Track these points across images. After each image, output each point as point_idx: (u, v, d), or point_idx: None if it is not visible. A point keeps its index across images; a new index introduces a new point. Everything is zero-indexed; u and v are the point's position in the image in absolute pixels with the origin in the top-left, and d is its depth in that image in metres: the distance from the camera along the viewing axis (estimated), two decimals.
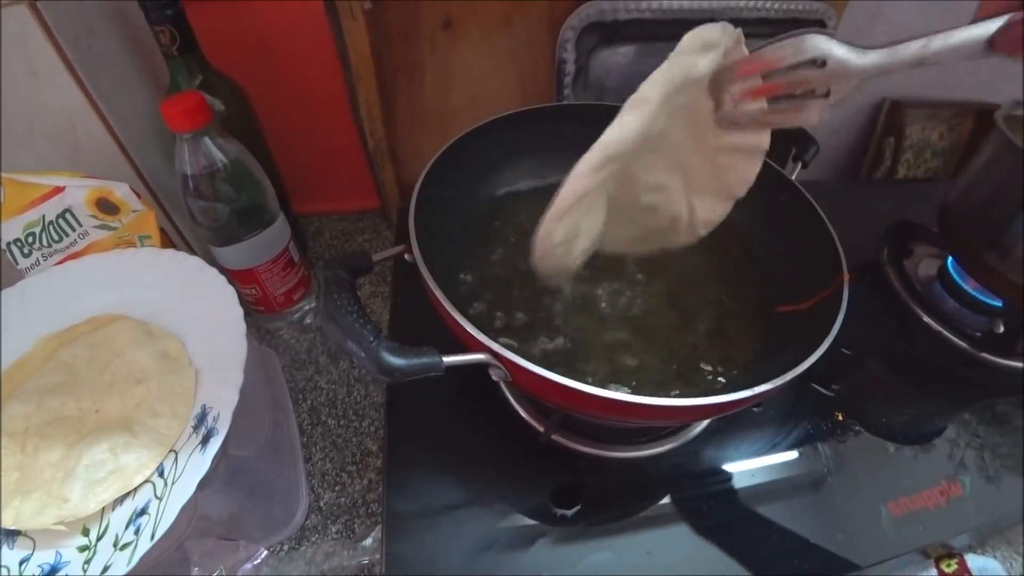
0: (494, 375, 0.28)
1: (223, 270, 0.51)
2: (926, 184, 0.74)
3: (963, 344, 0.51)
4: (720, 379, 0.38)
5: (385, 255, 0.34)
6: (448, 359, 0.27)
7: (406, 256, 0.34)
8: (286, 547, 0.45)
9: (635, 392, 0.32)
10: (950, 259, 0.55)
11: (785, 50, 0.32)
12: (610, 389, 0.26)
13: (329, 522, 0.46)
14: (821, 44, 0.30)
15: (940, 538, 0.41)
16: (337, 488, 0.48)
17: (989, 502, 0.43)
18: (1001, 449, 0.46)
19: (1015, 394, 0.50)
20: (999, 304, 0.52)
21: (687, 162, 0.36)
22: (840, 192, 0.70)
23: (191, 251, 0.55)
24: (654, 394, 0.27)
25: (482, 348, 0.27)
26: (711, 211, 0.38)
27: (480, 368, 0.28)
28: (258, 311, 0.55)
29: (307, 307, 0.58)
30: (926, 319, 0.53)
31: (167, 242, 0.49)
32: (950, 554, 0.47)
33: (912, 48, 0.28)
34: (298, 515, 0.46)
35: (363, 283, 0.62)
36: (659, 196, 0.36)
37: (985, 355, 0.51)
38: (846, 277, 0.37)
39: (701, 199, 0.37)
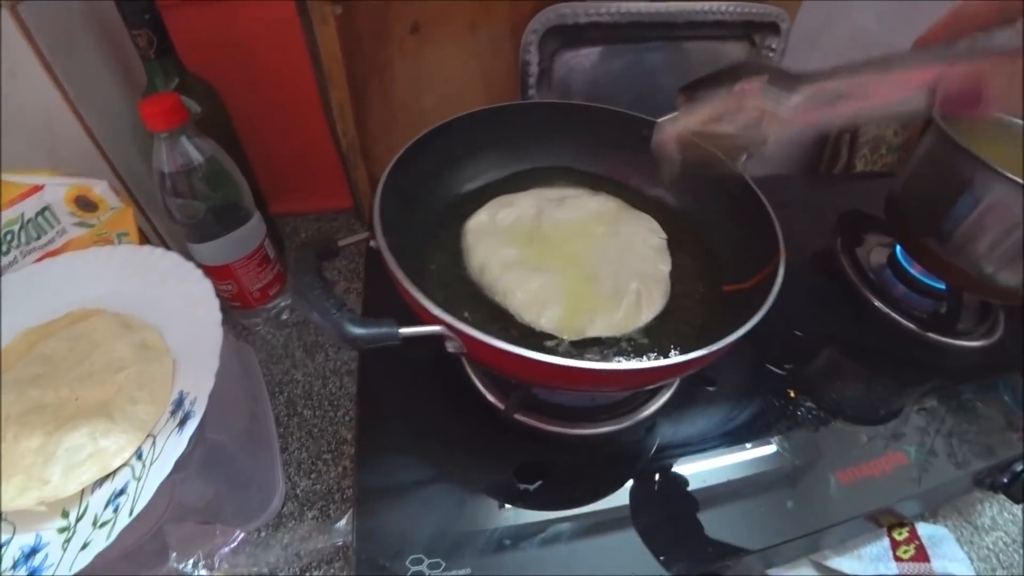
0: (450, 347, 0.30)
1: (200, 266, 0.53)
2: (882, 178, 0.77)
3: (911, 325, 0.54)
4: (672, 352, 0.40)
5: (351, 240, 0.36)
6: (405, 330, 0.29)
7: (371, 243, 0.36)
8: (263, 532, 0.46)
9: None
10: (898, 247, 0.59)
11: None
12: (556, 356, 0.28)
13: (305, 508, 0.48)
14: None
15: (884, 503, 0.44)
16: (313, 476, 0.49)
17: (932, 471, 0.46)
18: (946, 423, 0.49)
19: (959, 371, 0.53)
20: (942, 287, 0.55)
21: None
22: (798, 187, 0.74)
23: (167, 248, 0.57)
24: None
25: (437, 320, 0.29)
26: None
27: (437, 340, 0.30)
28: (235, 307, 0.56)
29: (283, 303, 0.59)
30: (877, 303, 0.56)
31: (144, 239, 0.51)
32: (901, 523, 0.49)
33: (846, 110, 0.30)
34: (275, 502, 0.47)
35: (337, 280, 0.64)
36: None
37: (931, 335, 0.54)
38: (781, 253, 0.39)
39: None
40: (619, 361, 0.37)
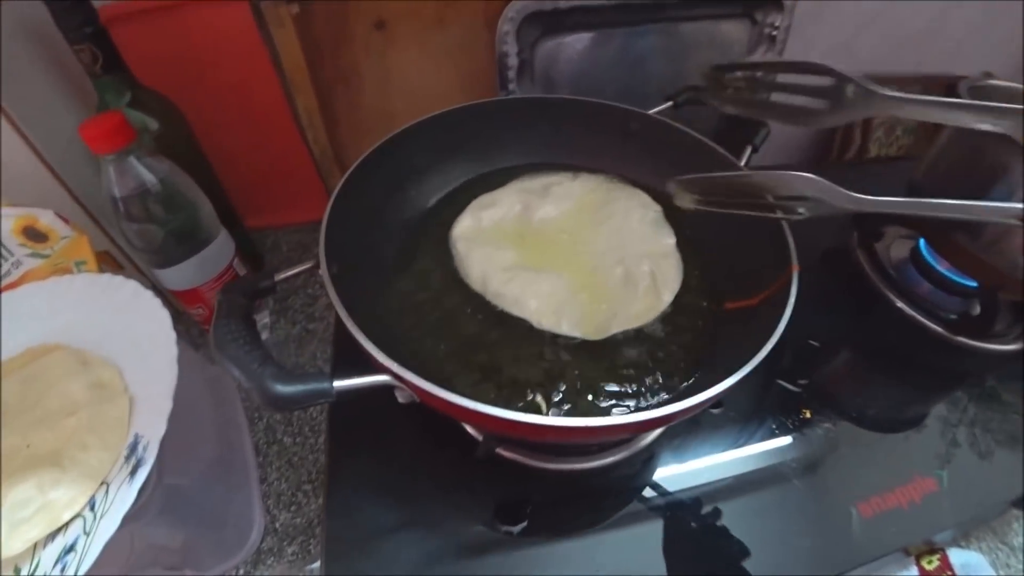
0: (400, 397, 0.27)
1: (167, 292, 0.50)
2: (898, 162, 0.71)
3: (938, 328, 0.49)
4: (660, 392, 0.35)
5: (289, 273, 0.33)
6: (340, 383, 0.25)
7: (320, 271, 0.32)
8: (241, 571, 0.44)
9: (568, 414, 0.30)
10: (922, 240, 0.53)
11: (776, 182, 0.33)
12: (511, 410, 0.24)
13: (285, 543, 0.45)
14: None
15: (914, 539, 0.39)
16: (293, 508, 0.47)
17: (967, 497, 0.41)
18: (981, 438, 0.44)
19: (994, 378, 0.47)
20: (975, 285, 0.50)
21: None
22: None
23: (138, 271, 0.54)
24: (587, 412, 0.25)
25: (382, 368, 0.26)
26: None
27: (385, 389, 0.27)
28: (207, 330, 0.54)
29: (261, 321, 0.56)
30: (899, 304, 0.51)
31: (110, 263, 0.49)
32: (931, 550, 0.45)
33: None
34: (252, 537, 0.45)
35: (325, 316, 0.60)
36: None
37: (961, 339, 0.49)
38: (795, 268, 0.35)
39: None
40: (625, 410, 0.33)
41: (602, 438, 0.37)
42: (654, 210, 0.46)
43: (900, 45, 0.68)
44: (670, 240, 0.44)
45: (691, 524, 0.38)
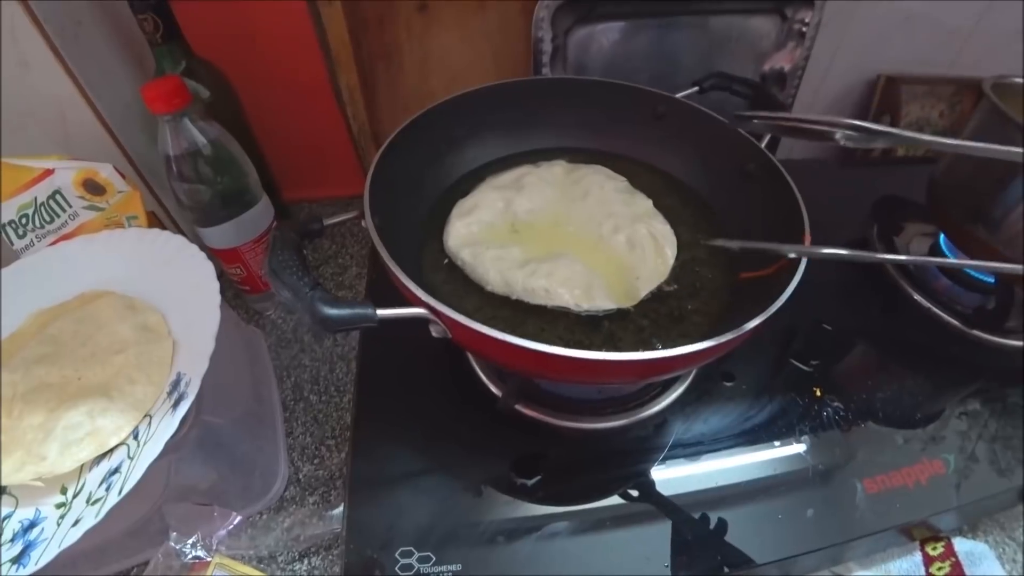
0: (434, 331, 0.29)
1: (208, 250, 0.53)
2: (925, 164, 0.71)
3: (954, 321, 0.50)
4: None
5: (336, 219, 0.35)
6: (383, 311, 0.27)
7: (363, 222, 0.35)
8: (263, 516, 0.46)
9: None
10: (942, 235, 0.54)
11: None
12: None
13: (307, 493, 0.47)
14: None
15: (916, 516, 0.40)
16: (316, 461, 0.49)
17: (972, 482, 0.42)
18: (990, 428, 0.45)
19: (1006, 372, 0.48)
20: (992, 280, 0.50)
21: None
22: (831, 172, 0.69)
23: (179, 231, 0.57)
24: None
25: (420, 303, 0.28)
26: None
27: (420, 323, 0.29)
28: (244, 291, 0.56)
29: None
30: (916, 297, 0.52)
31: (155, 222, 0.51)
32: (936, 537, 0.45)
33: None
34: (277, 485, 0.47)
35: (350, 265, 0.63)
36: None
37: (976, 332, 0.49)
38: (807, 239, 0.36)
39: None
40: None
41: (648, 376, 0.37)
42: (621, 180, 0.48)
43: (933, 46, 0.68)
44: (646, 202, 0.46)
45: (697, 486, 0.39)
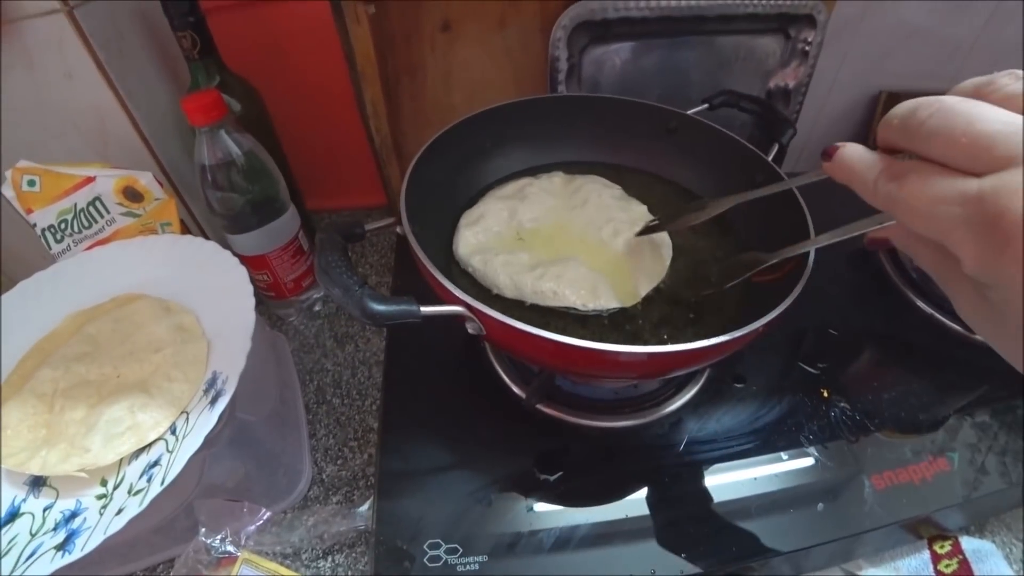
0: (470, 328, 0.31)
1: (237, 256, 0.55)
2: None
3: (957, 327, 0.52)
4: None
5: (377, 225, 0.37)
6: (425, 308, 0.29)
7: (397, 229, 0.37)
8: (288, 514, 0.47)
9: None
10: None
11: None
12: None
13: (330, 493, 0.49)
14: None
15: (923, 512, 0.41)
16: (339, 462, 0.50)
17: (978, 480, 0.43)
18: (996, 435, 0.46)
19: (1008, 375, 0.49)
20: None
21: None
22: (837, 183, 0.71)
23: (206, 238, 0.59)
24: None
25: (457, 301, 0.30)
26: None
27: (457, 320, 0.30)
28: (269, 297, 0.58)
29: (315, 295, 0.61)
30: (919, 303, 0.54)
31: (185, 230, 0.53)
32: (943, 535, 0.47)
33: None
34: (301, 485, 0.49)
35: (368, 274, 0.65)
36: None
37: (980, 337, 0.51)
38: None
39: None
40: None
41: (669, 369, 0.39)
42: (617, 188, 0.51)
43: (937, 61, 0.70)
44: (640, 207, 0.49)
45: (711, 482, 0.41)
